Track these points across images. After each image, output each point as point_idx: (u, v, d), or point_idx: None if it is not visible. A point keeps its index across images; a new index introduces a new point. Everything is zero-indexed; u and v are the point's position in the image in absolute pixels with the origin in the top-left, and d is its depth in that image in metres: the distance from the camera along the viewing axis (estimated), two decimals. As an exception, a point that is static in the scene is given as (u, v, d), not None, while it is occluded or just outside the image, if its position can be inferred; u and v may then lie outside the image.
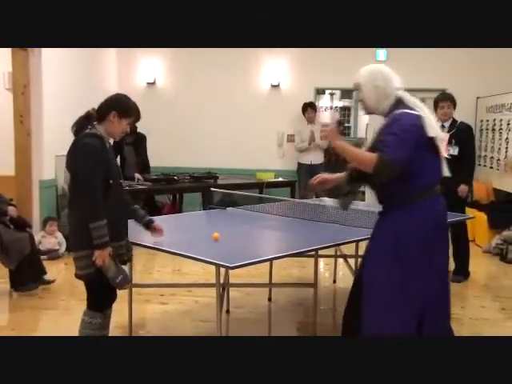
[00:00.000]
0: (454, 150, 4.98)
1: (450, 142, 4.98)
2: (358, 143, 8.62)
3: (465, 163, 5.01)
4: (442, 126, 5.04)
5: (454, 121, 5.13)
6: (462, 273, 5.20)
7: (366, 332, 2.63)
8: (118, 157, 7.02)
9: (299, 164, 7.63)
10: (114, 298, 3.06)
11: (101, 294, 2.93)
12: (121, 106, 2.90)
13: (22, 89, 6.03)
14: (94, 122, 2.87)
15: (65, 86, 6.54)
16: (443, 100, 5.15)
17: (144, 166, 7.07)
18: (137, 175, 6.75)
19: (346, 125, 8.83)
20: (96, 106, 2.92)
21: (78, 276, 2.90)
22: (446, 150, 4.91)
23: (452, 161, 4.92)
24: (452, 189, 4.93)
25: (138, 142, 6.97)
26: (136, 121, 3.04)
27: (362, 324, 2.64)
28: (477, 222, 6.37)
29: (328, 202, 4.05)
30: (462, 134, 5.03)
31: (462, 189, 5.00)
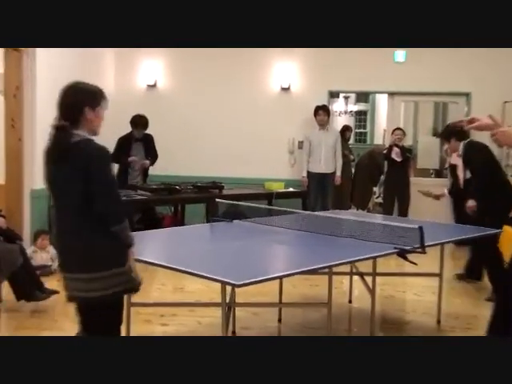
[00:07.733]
0: (468, 174, 5.26)
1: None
2: (377, 150, 8.62)
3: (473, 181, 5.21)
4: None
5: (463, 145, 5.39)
6: (475, 273, 5.53)
7: None
8: (116, 163, 7.04)
9: (309, 173, 7.59)
10: None
11: (117, 314, 2.84)
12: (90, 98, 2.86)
13: (14, 91, 6.08)
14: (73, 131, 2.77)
15: (59, 88, 6.52)
16: (440, 137, 6.03)
17: (149, 167, 7.22)
18: (146, 162, 7.01)
19: (362, 130, 8.84)
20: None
21: (88, 299, 2.70)
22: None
23: (467, 185, 5.27)
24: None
25: (148, 138, 7.07)
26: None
27: None
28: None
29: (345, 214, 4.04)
30: (466, 158, 5.28)
31: (469, 204, 5.06)
